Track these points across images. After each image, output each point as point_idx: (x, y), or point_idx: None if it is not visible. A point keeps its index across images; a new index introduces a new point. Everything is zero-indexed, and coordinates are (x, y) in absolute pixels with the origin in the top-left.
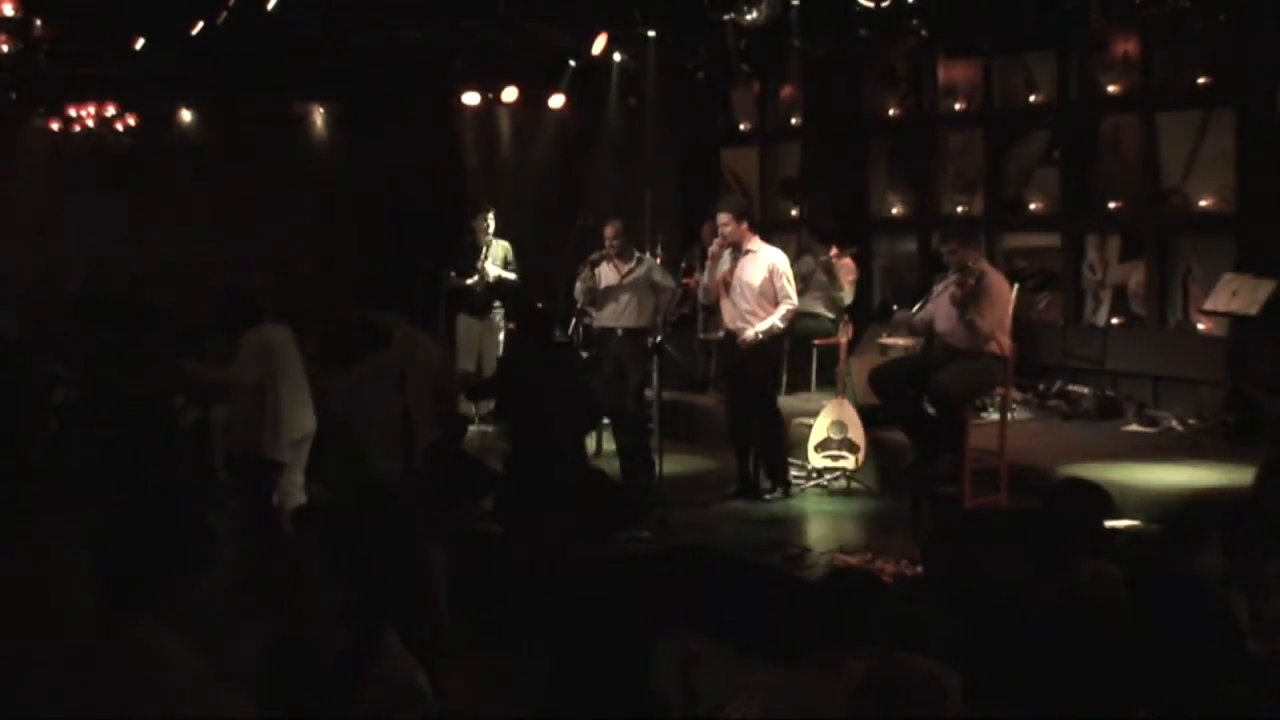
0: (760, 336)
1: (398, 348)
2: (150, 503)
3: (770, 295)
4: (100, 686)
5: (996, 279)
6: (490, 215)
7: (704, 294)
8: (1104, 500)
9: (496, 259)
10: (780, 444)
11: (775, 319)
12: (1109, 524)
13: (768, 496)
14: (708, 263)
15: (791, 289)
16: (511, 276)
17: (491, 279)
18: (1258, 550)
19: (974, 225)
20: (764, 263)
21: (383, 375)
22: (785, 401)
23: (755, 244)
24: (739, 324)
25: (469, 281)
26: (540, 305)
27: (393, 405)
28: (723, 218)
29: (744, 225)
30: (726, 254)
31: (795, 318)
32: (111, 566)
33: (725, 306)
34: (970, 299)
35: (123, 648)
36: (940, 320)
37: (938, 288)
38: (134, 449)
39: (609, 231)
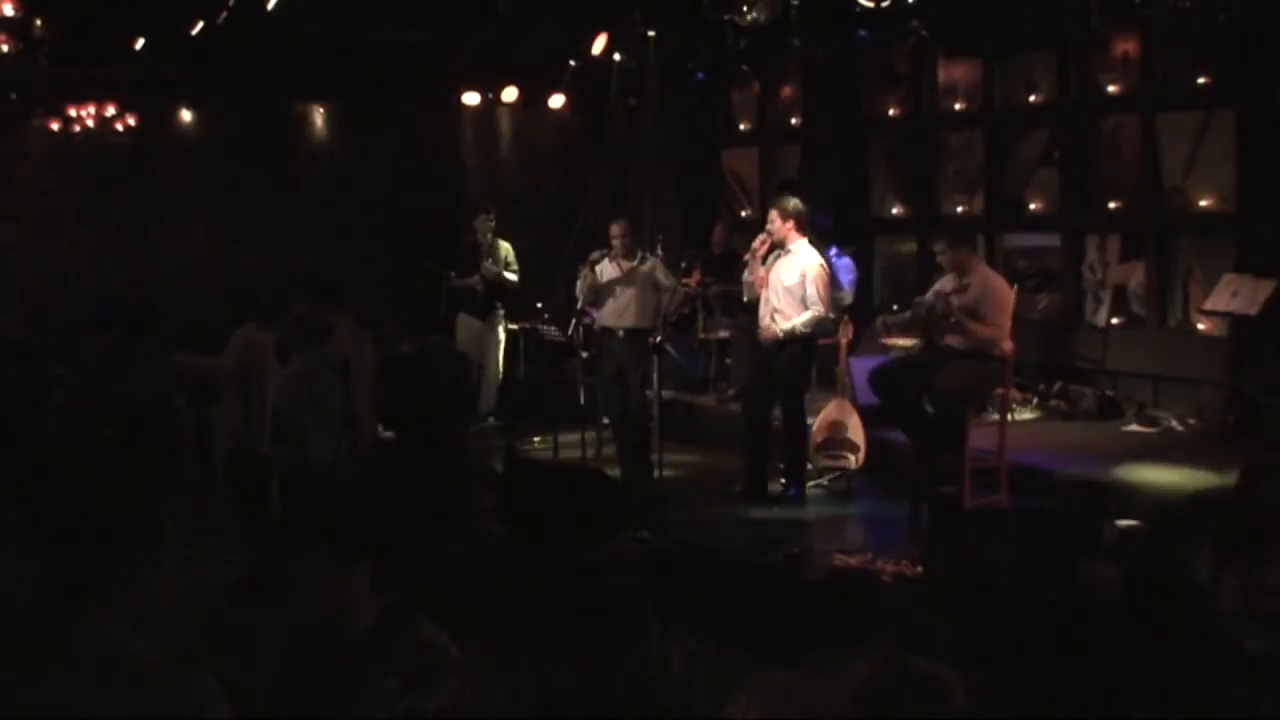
0: (780, 334)
1: (341, 343)
2: (97, 498)
3: (799, 297)
4: (53, 680)
5: (996, 281)
6: (491, 216)
7: (747, 290)
8: (1105, 500)
9: (498, 260)
10: (802, 447)
11: (798, 321)
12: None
13: (789, 495)
14: (748, 258)
15: (819, 295)
16: (513, 278)
17: (492, 280)
18: (1254, 550)
19: (969, 226)
20: (799, 265)
21: (325, 368)
22: None
23: (797, 245)
24: (766, 321)
25: (469, 282)
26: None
27: (335, 397)
28: (771, 214)
29: (789, 225)
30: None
31: (818, 325)
32: (59, 561)
33: (761, 303)
34: (972, 310)
35: (71, 641)
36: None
37: (934, 290)
38: (134, 449)
39: (615, 230)
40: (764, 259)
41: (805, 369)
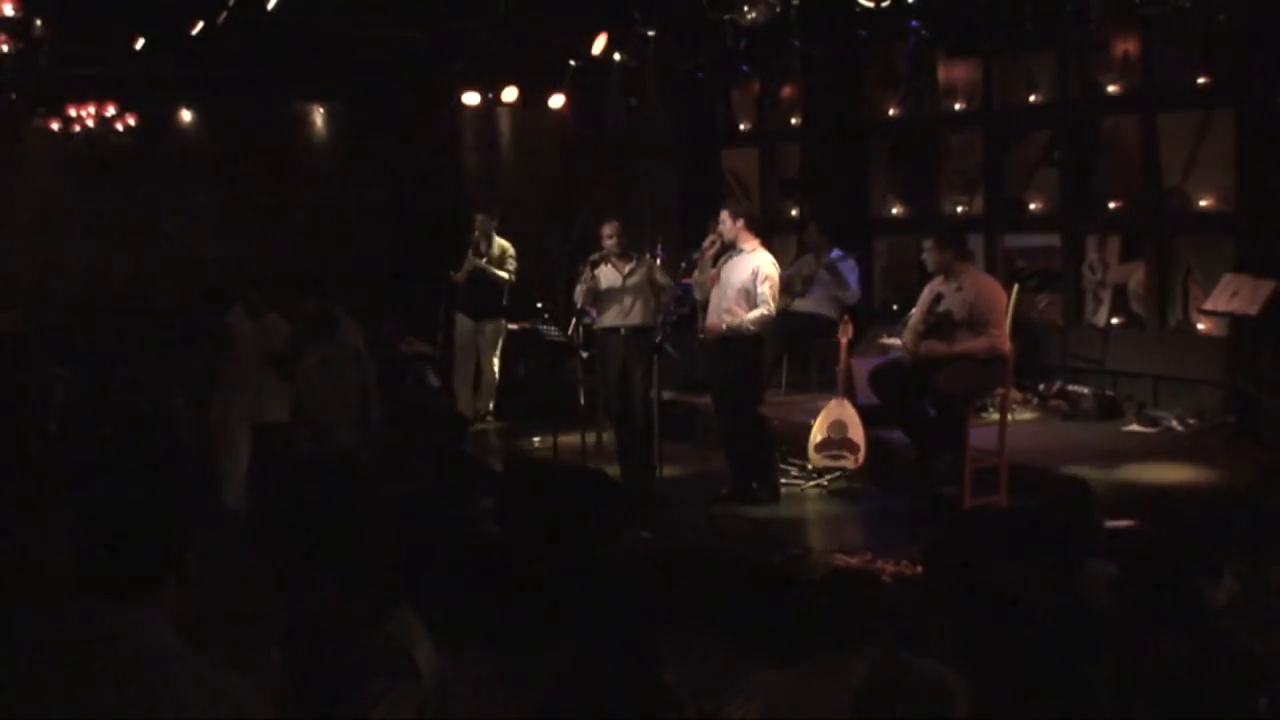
0: (725, 330)
1: (348, 333)
2: (135, 495)
3: (750, 297)
4: (97, 675)
5: (988, 284)
6: (489, 217)
7: (698, 290)
8: (1095, 499)
9: (492, 259)
10: (762, 448)
11: (745, 318)
12: (1109, 524)
13: (759, 498)
14: (696, 257)
15: (770, 295)
16: (503, 275)
17: (469, 272)
18: (1256, 549)
19: (963, 229)
20: (750, 264)
21: (342, 357)
22: (785, 401)
23: (749, 245)
24: (714, 319)
25: (457, 277)
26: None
27: (353, 383)
28: (721, 215)
29: (739, 224)
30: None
31: (767, 324)
32: (98, 558)
33: (711, 302)
34: (972, 320)
35: (118, 634)
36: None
37: (925, 294)
38: (133, 448)
39: (607, 230)
40: (715, 260)
41: (759, 368)
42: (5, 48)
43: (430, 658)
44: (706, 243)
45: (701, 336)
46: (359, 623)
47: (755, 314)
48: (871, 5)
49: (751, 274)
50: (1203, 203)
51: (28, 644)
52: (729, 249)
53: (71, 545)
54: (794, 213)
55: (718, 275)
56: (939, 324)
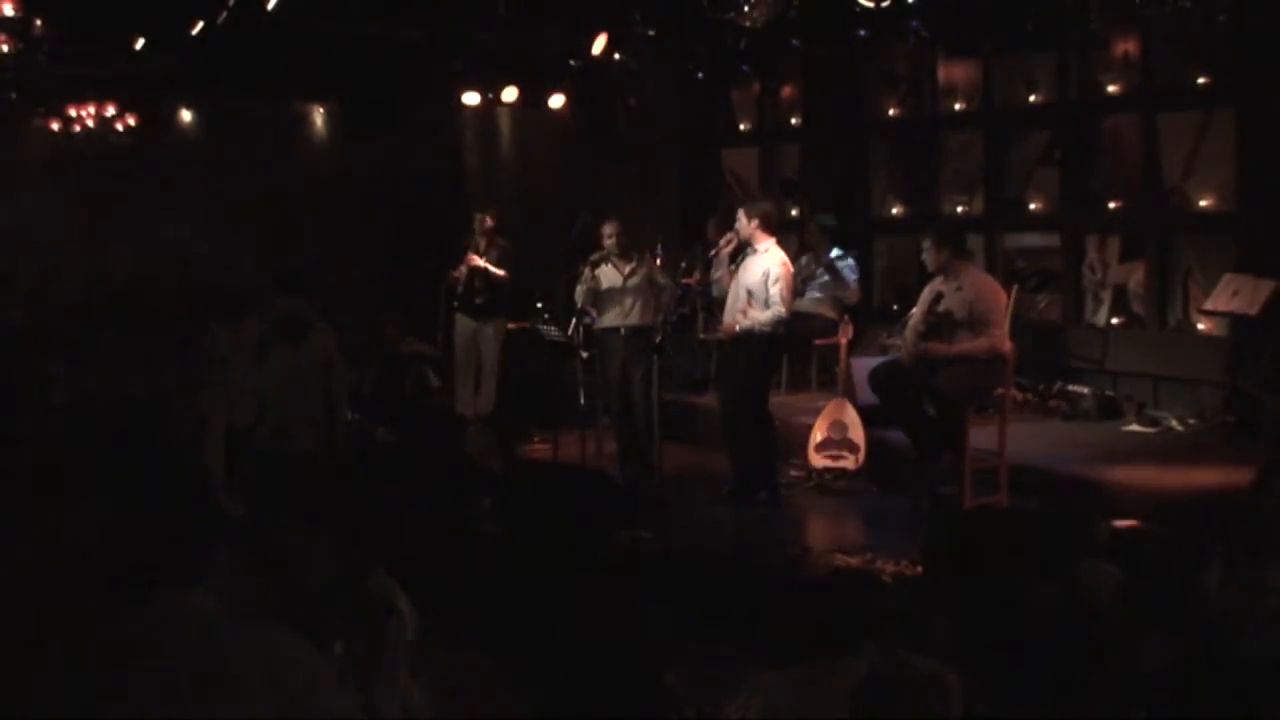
0: (737, 330)
1: (322, 336)
2: (168, 486)
3: (762, 297)
4: (158, 656)
5: (988, 284)
6: (487, 217)
7: (716, 288)
8: (1100, 500)
9: (491, 258)
10: (765, 449)
11: (758, 319)
12: (1108, 524)
13: (759, 499)
14: (712, 256)
15: (781, 295)
16: (500, 272)
17: (470, 268)
18: (1257, 550)
19: (963, 229)
20: (761, 266)
21: (310, 361)
22: (785, 401)
23: (764, 244)
24: (729, 319)
25: (455, 274)
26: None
27: (318, 389)
28: (739, 213)
29: (753, 224)
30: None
31: (780, 325)
32: (132, 549)
33: (727, 302)
34: (972, 320)
35: (169, 616)
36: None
37: (925, 294)
38: (133, 449)
39: (607, 230)
40: (732, 259)
41: (767, 369)
42: (5, 48)
43: (410, 611)
44: (723, 241)
45: (702, 336)
46: (343, 575)
47: (768, 315)
48: (871, 5)
49: (762, 275)
50: (1203, 203)
51: (69, 637)
52: (745, 248)
53: (72, 545)
54: (794, 213)
55: (734, 273)
56: (939, 324)
